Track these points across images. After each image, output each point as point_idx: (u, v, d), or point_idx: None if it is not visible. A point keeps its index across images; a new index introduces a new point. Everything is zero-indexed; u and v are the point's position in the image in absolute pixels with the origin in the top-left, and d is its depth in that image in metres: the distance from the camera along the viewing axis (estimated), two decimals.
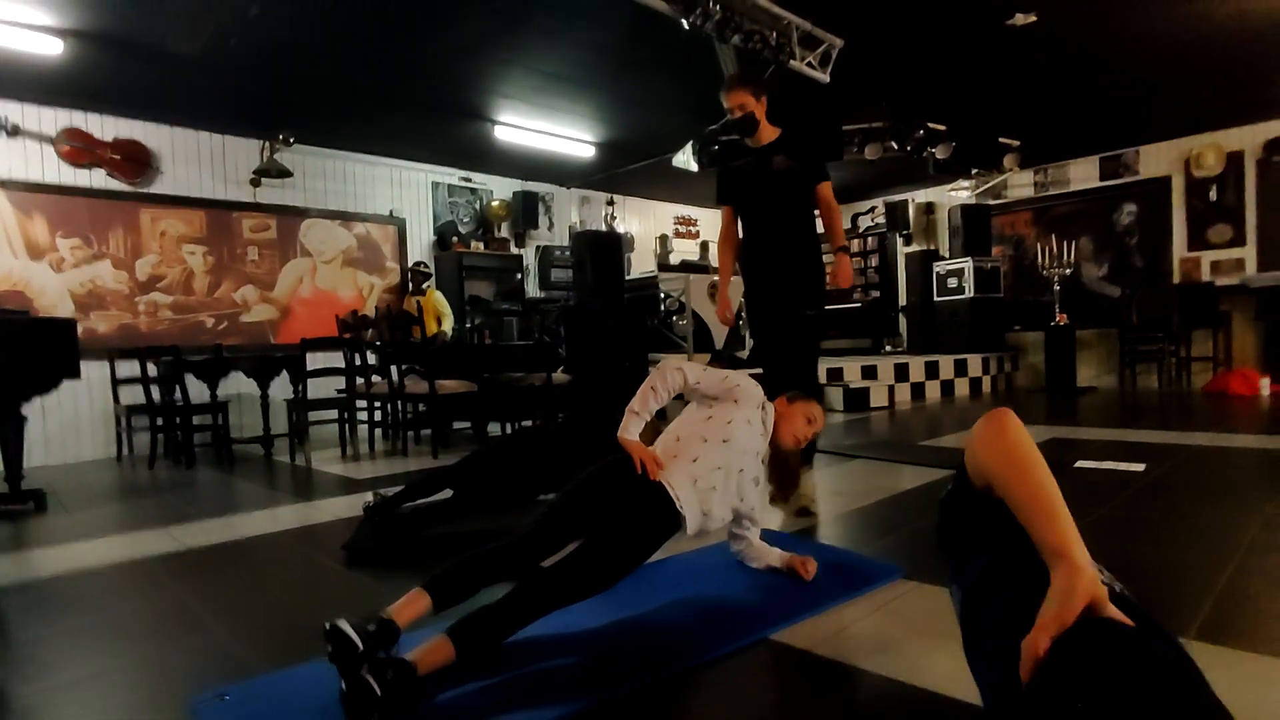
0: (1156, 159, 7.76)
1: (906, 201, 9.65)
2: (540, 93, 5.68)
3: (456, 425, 5.77)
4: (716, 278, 7.75)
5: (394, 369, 5.03)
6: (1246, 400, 6.26)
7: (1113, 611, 0.76)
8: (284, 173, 6.22)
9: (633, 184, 8.72)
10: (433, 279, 7.10)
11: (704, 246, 10.49)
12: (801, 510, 2.72)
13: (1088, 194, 8.25)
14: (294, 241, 6.63)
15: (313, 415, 4.83)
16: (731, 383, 1.95)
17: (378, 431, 5.62)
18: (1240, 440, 4.22)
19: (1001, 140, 7.06)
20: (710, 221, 10.78)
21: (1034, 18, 4.66)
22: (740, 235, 3.05)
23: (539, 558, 1.62)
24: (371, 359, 5.30)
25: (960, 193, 8.97)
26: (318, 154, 6.71)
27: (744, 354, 7.11)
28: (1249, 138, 7.19)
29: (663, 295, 7.30)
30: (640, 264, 9.12)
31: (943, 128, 6.69)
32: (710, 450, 1.83)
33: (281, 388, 5.22)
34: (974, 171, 8.11)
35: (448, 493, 2.79)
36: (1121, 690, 0.64)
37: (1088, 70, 5.67)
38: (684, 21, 4.15)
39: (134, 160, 5.76)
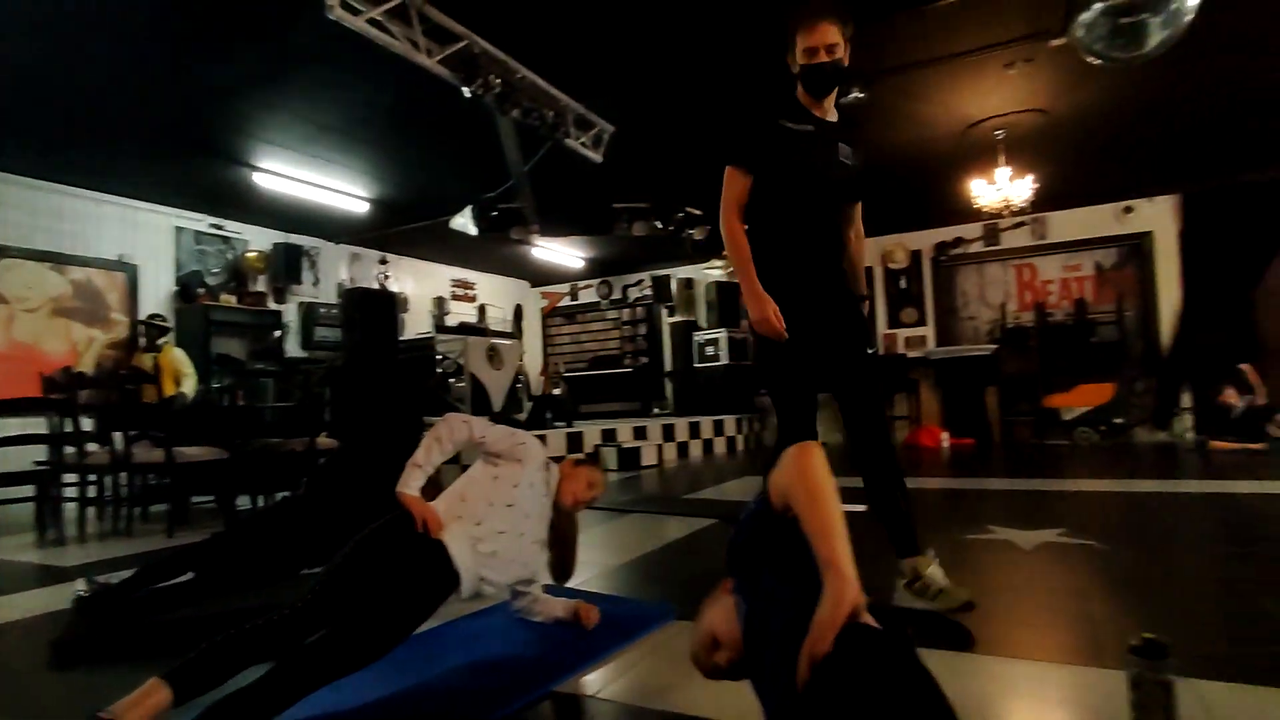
0: None
1: (670, 276, 10.56)
2: (310, 143, 5.44)
3: (197, 499, 5.07)
4: (502, 341, 7.75)
5: (117, 435, 4.33)
6: (933, 451, 7.65)
7: (868, 617, 0.94)
8: None
9: (408, 244, 8.53)
10: (172, 334, 6.28)
11: (481, 310, 10.49)
12: (965, 604, 2.01)
13: None
14: None
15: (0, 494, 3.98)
16: (518, 440, 1.94)
17: (90, 510, 4.74)
18: (933, 483, 5.15)
19: None
20: (489, 288, 10.82)
21: None
22: (760, 229, 2.09)
23: (308, 633, 1.47)
24: (87, 424, 4.51)
25: (714, 271, 10.04)
26: (24, 184, 5.71)
27: (522, 416, 7.18)
28: (925, 239, 9.06)
29: (440, 357, 7.15)
30: (415, 326, 8.86)
31: (699, 212, 7.50)
32: (494, 514, 1.82)
33: None
34: (724, 253, 9.11)
35: (189, 575, 2.47)
36: (875, 686, 0.82)
37: None
38: (465, 90, 4.27)
39: None
